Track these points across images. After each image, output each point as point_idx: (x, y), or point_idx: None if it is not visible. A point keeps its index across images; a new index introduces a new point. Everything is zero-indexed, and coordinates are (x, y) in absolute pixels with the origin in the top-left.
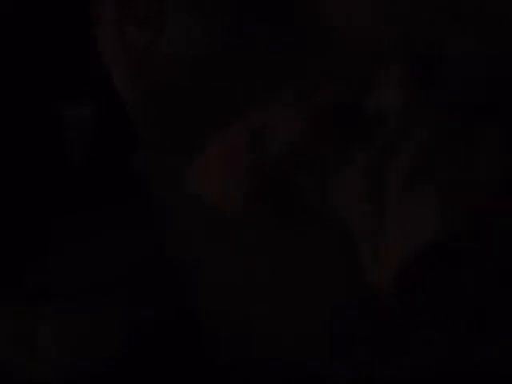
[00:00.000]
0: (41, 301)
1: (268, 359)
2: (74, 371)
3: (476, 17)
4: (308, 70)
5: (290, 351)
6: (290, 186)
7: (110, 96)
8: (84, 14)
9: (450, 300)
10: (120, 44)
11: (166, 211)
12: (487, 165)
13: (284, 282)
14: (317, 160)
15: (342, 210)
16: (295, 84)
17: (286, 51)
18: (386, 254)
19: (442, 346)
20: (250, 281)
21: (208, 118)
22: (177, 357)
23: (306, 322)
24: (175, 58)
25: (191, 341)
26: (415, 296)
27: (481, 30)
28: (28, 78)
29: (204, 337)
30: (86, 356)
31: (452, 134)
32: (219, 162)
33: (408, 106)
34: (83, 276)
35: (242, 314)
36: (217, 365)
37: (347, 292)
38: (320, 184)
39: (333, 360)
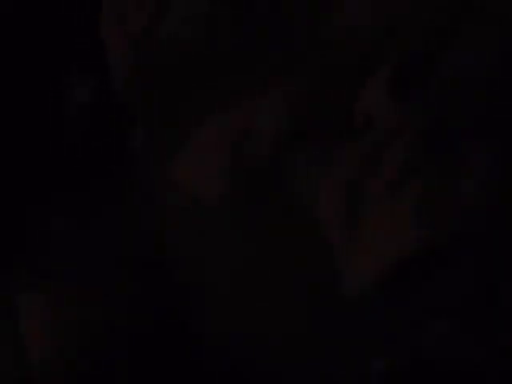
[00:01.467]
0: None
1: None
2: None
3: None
4: (297, 68)
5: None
6: (271, 181)
7: (109, 74)
8: None
9: (432, 303)
10: (118, 27)
11: (153, 194)
12: (472, 180)
13: (259, 272)
14: (298, 160)
15: (318, 212)
16: (284, 81)
17: (282, 48)
18: (360, 265)
19: (428, 346)
20: (228, 270)
21: (200, 104)
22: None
23: (280, 312)
24: (173, 43)
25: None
26: (393, 301)
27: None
28: (28, 52)
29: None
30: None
31: (437, 146)
32: (204, 152)
33: (395, 113)
34: (71, 257)
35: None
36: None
37: (324, 288)
38: (299, 184)
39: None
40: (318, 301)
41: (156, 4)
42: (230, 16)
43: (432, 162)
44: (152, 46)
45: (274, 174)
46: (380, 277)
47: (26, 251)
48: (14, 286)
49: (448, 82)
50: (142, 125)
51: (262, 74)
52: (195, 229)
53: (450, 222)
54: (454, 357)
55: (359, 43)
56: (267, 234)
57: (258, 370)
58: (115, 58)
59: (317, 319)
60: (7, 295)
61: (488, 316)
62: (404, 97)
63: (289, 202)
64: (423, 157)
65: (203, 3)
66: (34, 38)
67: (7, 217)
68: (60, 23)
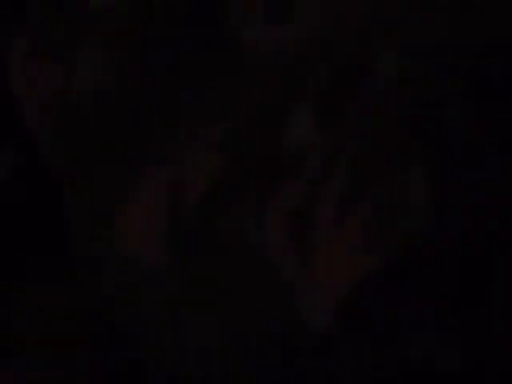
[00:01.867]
0: None
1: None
2: None
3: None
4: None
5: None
6: (211, 229)
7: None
8: None
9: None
10: (31, 82)
11: (90, 262)
12: (413, 201)
13: (212, 317)
14: (237, 200)
15: (266, 249)
16: (208, 120)
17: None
18: (317, 295)
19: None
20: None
21: (125, 162)
22: None
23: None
24: (86, 96)
25: None
26: (357, 327)
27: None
28: None
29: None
30: None
31: (374, 170)
32: (140, 215)
33: (327, 143)
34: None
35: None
36: None
37: (276, 323)
38: (242, 224)
39: None
40: (263, 331)
41: (64, 70)
42: (141, 72)
43: (372, 186)
44: (66, 110)
45: (207, 224)
46: (340, 310)
47: None
48: None
49: (384, 84)
50: (70, 192)
51: (194, 124)
52: (142, 290)
53: (398, 241)
54: (441, 368)
55: (285, 68)
56: (211, 282)
57: None
58: (33, 123)
59: (289, 353)
60: None
61: (477, 317)
62: (336, 120)
63: (227, 248)
64: (362, 181)
65: (108, 68)
66: None
67: None
68: None
